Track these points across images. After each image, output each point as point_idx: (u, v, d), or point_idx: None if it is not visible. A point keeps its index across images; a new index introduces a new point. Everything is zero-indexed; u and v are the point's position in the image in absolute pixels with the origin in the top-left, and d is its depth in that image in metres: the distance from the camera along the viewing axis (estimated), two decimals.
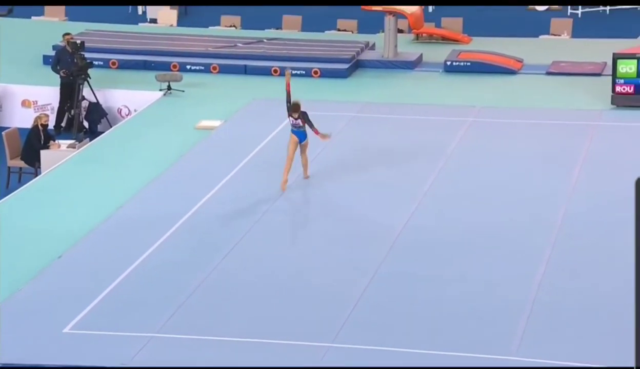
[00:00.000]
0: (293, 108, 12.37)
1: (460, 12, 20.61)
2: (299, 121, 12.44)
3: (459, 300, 9.87)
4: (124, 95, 16.41)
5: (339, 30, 19.76)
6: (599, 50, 17.39)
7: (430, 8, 22.66)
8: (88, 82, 16.01)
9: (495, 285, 10.14)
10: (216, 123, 14.94)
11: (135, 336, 9.31)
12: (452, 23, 19.38)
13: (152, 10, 21.84)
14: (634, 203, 11.92)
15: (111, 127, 15.70)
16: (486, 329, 9.39)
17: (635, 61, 14.98)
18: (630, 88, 15.06)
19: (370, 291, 10.08)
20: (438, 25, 19.34)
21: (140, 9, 22.91)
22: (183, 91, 16.29)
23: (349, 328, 9.45)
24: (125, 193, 12.47)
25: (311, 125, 12.45)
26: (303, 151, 12.69)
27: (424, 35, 18.81)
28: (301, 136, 12.55)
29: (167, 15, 20.81)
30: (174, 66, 17.34)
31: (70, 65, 16.03)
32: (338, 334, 9.34)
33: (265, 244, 11.21)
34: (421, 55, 17.68)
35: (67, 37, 16.38)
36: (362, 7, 17.85)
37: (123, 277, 10.42)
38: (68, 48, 16.16)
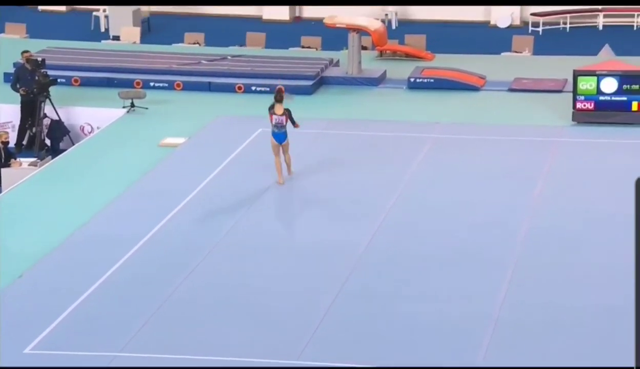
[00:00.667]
0: (278, 97, 12.47)
1: (423, 30, 20.80)
2: (283, 119, 12.60)
3: (422, 316, 9.92)
4: (86, 113, 16.32)
5: (303, 47, 19.84)
6: (560, 67, 17.63)
7: (394, 25, 22.85)
8: (50, 99, 15.91)
9: (458, 301, 10.21)
10: (180, 140, 14.90)
11: (97, 356, 9.24)
12: (416, 40, 19.55)
13: (114, 28, 21.77)
14: (597, 217, 12.08)
15: (74, 144, 15.59)
16: (450, 344, 9.44)
17: (595, 78, 15.21)
18: (590, 105, 15.27)
19: (335, 308, 10.10)
20: (402, 42, 19.50)
21: (102, 25, 22.83)
22: (146, 108, 16.24)
23: (314, 345, 9.46)
24: (88, 211, 12.39)
25: (293, 122, 12.64)
26: (285, 151, 12.91)
27: (387, 52, 18.95)
28: (282, 138, 12.71)
29: (130, 33, 20.76)
30: (137, 83, 17.29)
31: (30, 83, 15.91)
32: (303, 352, 9.34)
33: (229, 262, 11.19)
34: (385, 71, 17.81)
35: (25, 54, 16.27)
36: (326, 24, 17.95)
37: (86, 296, 10.34)
38: (27, 66, 16.04)
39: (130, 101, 16.23)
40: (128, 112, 16.18)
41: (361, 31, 17.61)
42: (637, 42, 21.14)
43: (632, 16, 22.41)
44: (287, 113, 12.67)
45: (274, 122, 12.75)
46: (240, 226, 12.01)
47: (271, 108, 12.72)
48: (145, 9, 22.96)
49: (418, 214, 12.28)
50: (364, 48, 18.44)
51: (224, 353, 9.31)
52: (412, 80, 17.29)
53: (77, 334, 9.65)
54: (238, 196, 12.80)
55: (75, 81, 17.48)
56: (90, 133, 16.16)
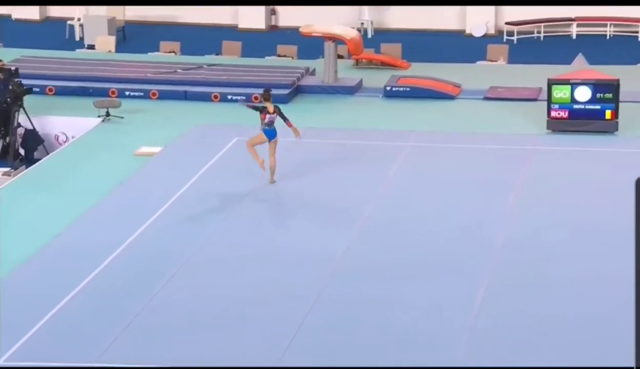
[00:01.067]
0: (267, 96, 12.85)
1: (399, 39, 20.91)
2: (274, 116, 12.92)
3: (400, 324, 9.95)
4: (61, 122, 16.24)
5: (279, 56, 19.87)
6: (534, 75, 17.78)
7: (370, 34, 22.96)
8: (24, 108, 15.82)
9: (435, 310, 10.25)
10: (156, 149, 14.87)
11: (73, 366, 9.18)
12: (391, 49, 19.64)
13: (89, 36, 21.70)
14: (571, 226, 12.18)
15: (48, 154, 15.51)
16: (428, 352, 9.48)
17: (569, 87, 15.35)
18: (564, 113, 15.41)
19: (313, 316, 10.11)
20: (377, 51, 19.58)
21: (77, 34, 22.75)
22: (122, 117, 16.19)
23: (292, 353, 9.46)
24: (63, 221, 12.32)
25: (286, 119, 12.93)
26: (272, 153, 13.09)
27: (363, 60, 19.02)
28: (272, 134, 12.96)
29: (105, 41, 20.69)
30: (113, 92, 17.23)
31: (3, 92, 15.81)
32: (281, 359, 9.35)
33: (205, 271, 11.17)
34: (361, 80, 17.87)
35: None
36: (302, 32, 18.00)
37: (60, 306, 10.28)
38: (0, 75, 15.95)
39: (105, 110, 16.17)
40: (103, 121, 16.12)
41: (337, 40, 17.67)
42: (610, 51, 21.37)
43: (605, 25, 22.65)
44: (278, 110, 13.06)
45: (267, 120, 13.07)
46: (216, 234, 12.00)
47: (263, 108, 13.09)
48: (121, 17, 22.90)
49: (394, 222, 12.32)
50: (340, 57, 18.50)
51: (200, 362, 9.29)
52: (388, 88, 17.37)
53: (51, 345, 9.59)
54: (214, 205, 12.79)
55: (50, 90, 17.40)
56: (64, 142, 16.08)
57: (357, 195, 13.13)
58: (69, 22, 23.06)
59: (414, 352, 9.47)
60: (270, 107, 13.09)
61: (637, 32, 22.41)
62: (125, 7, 23.08)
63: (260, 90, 16.96)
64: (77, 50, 20.77)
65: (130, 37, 22.91)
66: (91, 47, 21.15)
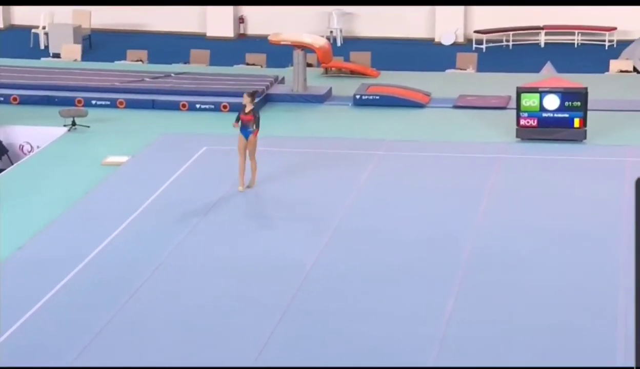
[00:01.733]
0: (251, 98, 13.21)
1: (368, 47, 20.95)
2: (250, 116, 13.15)
3: (369, 335, 9.91)
4: (26, 132, 16.07)
5: (247, 64, 19.83)
6: (503, 84, 17.89)
7: (339, 42, 22.98)
8: None
9: (405, 320, 10.23)
10: (123, 159, 14.75)
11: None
12: (361, 57, 19.67)
13: (54, 45, 21.52)
14: (541, 234, 12.23)
15: (12, 164, 15.33)
16: (398, 362, 9.44)
17: (538, 95, 15.44)
18: (533, 122, 15.50)
19: (282, 327, 10.05)
20: (347, 59, 19.60)
21: (42, 43, 22.55)
22: (88, 127, 16.05)
23: (260, 365, 9.38)
24: (28, 232, 12.16)
25: (256, 127, 13.26)
26: (252, 155, 13.29)
27: (332, 69, 19.03)
28: (248, 134, 13.21)
29: (70, 50, 20.52)
30: (79, 101, 17.09)
31: None
32: None
33: (173, 283, 11.07)
34: (330, 89, 17.87)
35: None
36: (271, 41, 17.96)
37: (23, 321, 10.12)
38: None
39: (71, 119, 16.03)
40: (69, 130, 15.97)
41: (306, 48, 17.66)
42: (578, 59, 21.58)
43: (573, 34, 22.87)
44: (255, 116, 13.33)
45: (243, 119, 13.34)
46: (184, 245, 11.91)
47: (243, 108, 13.39)
48: (87, 25, 22.74)
49: (364, 232, 12.30)
50: (309, 65, 18.50)
51: None
52: (357, 97, 17.38)
53: (13, 362, 9.43)
54: (182, 215, 12.69)
55: (14, 99, 17.21)
56: (29, 152, 15.90)
57: (326, 204, 13.10)
58: (33, 30, 22.87)
59: (385, 362, 9.44)
60: (249, 106, 13.28)
61: (604, 41, 22.65)
62: (92, 15, 22.92)
63: (229, 99, 17.00)
64: (42, 59, 20.59)
65: (96, 46, 22.75)
66: (56, 55, 20.98)
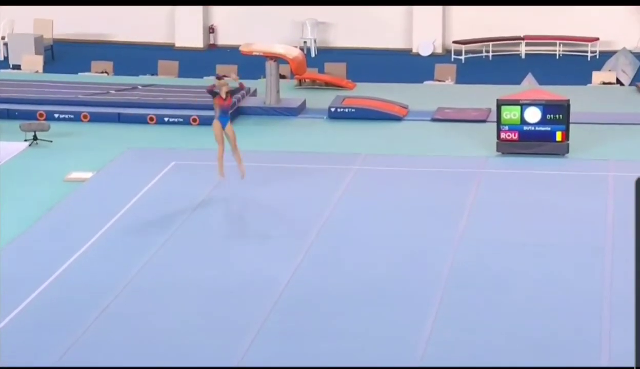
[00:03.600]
0: (221, 82, 13.35)
1: (344, 58, 21.09)
2: (228, 101, 13.38)
3: (346, 355, 9.97)
4: None
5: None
6: (483, 96, 18.07)
7: (313, 53, 23.11)
8: None
9: (382, 340, 10.29)
10: (87, 175, 14.74)
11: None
12: (336, 68, 19.80)
13: (15, 56, 21.46)
14: (523, 251, 12.36)
15: None
16: None
17: (519, 107, 15.61)
18: (514, 135, 15.66)
19: (255, 348, 10.08)
20: (321, 71, 19.72)
21: (1, 54, 22.49)
22: (51, 141, 16.02)
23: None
24: None
25: (241, 85, 13.61)
26: (234, 146, 13.45)
27: (306, 80, 19.14)
28: (226, 121, 13.40)
29: (32, 61, 20.49)
30: (41, 115, 17.06)
31: None
32: None
33: (141, 302, 11.07)
34: (304, 101, 17.97)
35: None
36: (242, 51, 18.05)
37: None
38: None
39: (32, 134, 16.00)
40: (30, 145, 15.93)
41: (279, 59, 17.76)
42: (560, 70, 21.83)
43: (555, 45, 23.15)
44: (231, 91, 13.57)
45: (222, 105, 13.50)
46: (152, 263, 11.91)
47: (216, 94, 13.53)
48: (49, 35, 22.70)
49: (340, 249, 12.37)
50: (282, 77, 18.60)
51: None
52: (332, 109, 17.49)
53: None
54: (150, 232, 12.69)
55: None
56: None
57: (300, 220, 13.16)
58: None
59: None
60: (225, 88, 13.46)
61: (586, 52, 22.95)
62: (54, 25, 22.89)
63: (199, 112, 17.04)
64: (2, 71, 20.54)
65: (59, 56, 22.71)
66: (17, 67, 20.94)
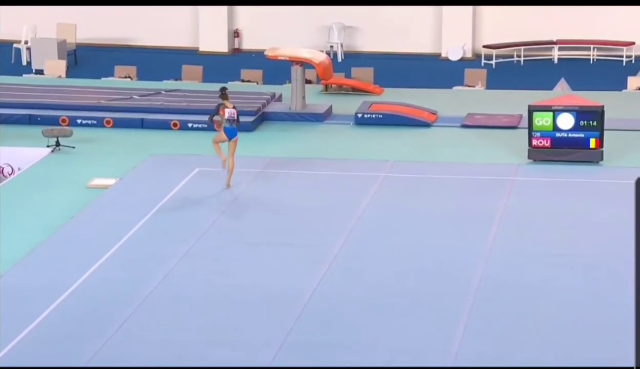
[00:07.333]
0: (224, 96, 13.77)
1: (371, 62, 21.05)
2: (235, 112, 13.81)
3: None
4: (6, 153, 16.10)
5: (242, 81, 19.91)
6: (514, 102, 17.96)
7: (340, 57, 23.09)
8: None
9: (410, 353, 10.23)
10: (110, 181, 14.79)
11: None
12: (363, 73, 19.76)
13: (37, 60, 21.61)
14: (554, 262, 12.23)
15: None
16: None
17: (551, 113, 15.50)
18: (546, 142, 15.55)
19: (277, 363, 10.04)
20: (348, 76, 19.69)
21: (24, 58, 22.65)
22: (73, 147, 16.10)
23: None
24: (8, 260, 12.17)
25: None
26: (232, 153, 13.76)
27: (333, 85, 19.11)
28: (232, 133, 13.82)
29: (54, 66, 20.62)
30: (63, 120, 17.15)
31: None
32: None
33: (163, 312, 11.08)
34: (331, 107, 17.95)
35: None
36: (267, 56, 18.06)
37: (3, 355, 10.12)
38: None
39: (55, 139, 16.08)
40: (53, 151, 16.02)
41: (305, 64, 17.74)
42: (594, 76, 21.67)
43: (589, 49, 22.98)
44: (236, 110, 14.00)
45: (226, 115, 13.88)
46: (174, 273, 11.92)
47: (219, 105, 14.01)
48: (72, 40, 22.85)
49: (366, 259, 12.32)
50: (308, 82, 18.59)
51: None
52: (359, 115, 17.45)
53: None
54: (172, 241, 12.71)
55: None
56: (10, 174, 15.94)
57: (326, 229, 13.12)
58: (15, 45, 22.96)
59: None
60: (228, 104, 13.88)
61: (621, 56, 22.75)
62: (77, 29, 23.04)
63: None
64: (24, 76, 20.67)
65: (82, 61, 22.85)
66: (39, 71, 21.06)
